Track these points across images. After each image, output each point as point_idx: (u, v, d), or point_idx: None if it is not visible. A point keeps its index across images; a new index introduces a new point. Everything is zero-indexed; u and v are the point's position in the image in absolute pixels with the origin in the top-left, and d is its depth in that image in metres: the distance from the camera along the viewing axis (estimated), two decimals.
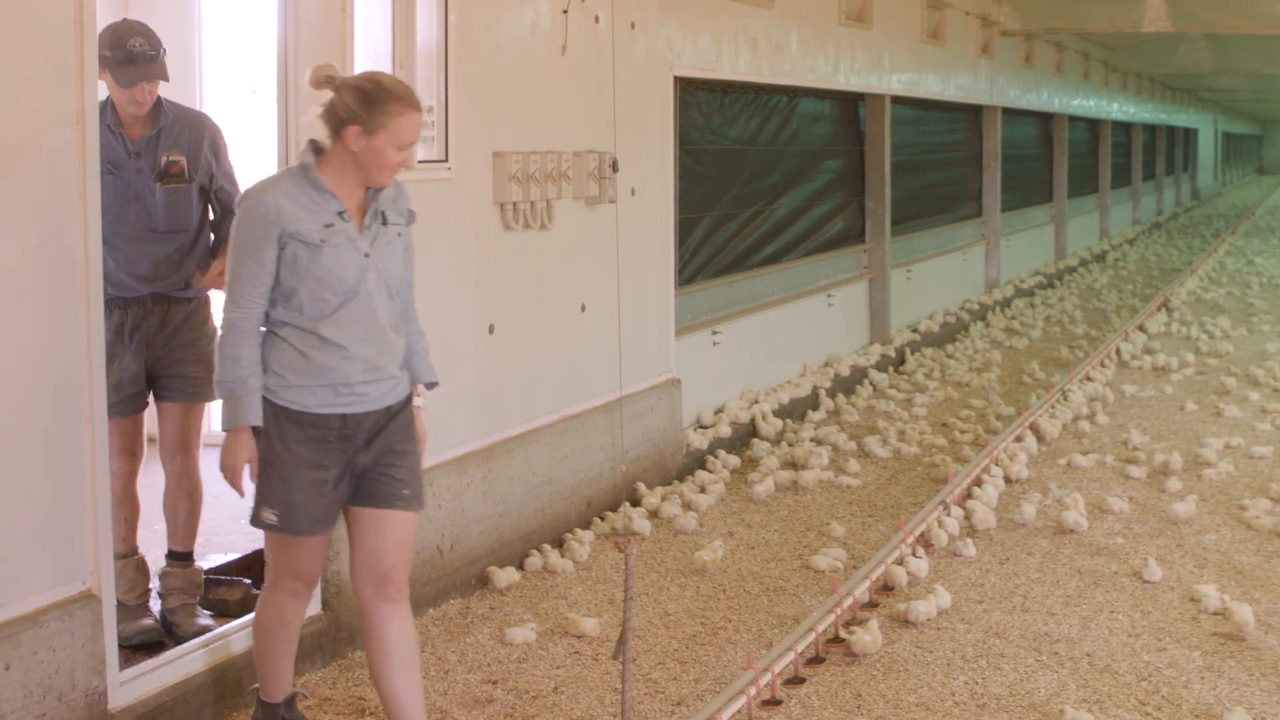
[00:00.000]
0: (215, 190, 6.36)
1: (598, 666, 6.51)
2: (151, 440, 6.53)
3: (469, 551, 7.49)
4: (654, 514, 8.91)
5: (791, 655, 6.32)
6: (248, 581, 6.73)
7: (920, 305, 16.65)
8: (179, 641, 6.05)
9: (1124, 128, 31.78)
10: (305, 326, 4.93)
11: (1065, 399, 12.36)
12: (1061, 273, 23.34)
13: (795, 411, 11.90)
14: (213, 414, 7.58)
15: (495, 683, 6.32)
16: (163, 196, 6.19)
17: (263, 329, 4.98)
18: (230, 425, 4.96)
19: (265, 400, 4.95)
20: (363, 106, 4.86)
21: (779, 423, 11.22)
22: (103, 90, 5.66)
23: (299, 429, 4.95)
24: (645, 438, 9.40)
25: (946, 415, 12.25)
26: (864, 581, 7.33)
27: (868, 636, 6.58)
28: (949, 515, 8.60)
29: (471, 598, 7.39)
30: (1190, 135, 45.70)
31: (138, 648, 6.02)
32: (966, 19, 17.99)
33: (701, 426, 10.59)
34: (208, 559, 7.14)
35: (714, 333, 11.24)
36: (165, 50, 6.20)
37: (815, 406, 12.24)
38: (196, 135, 6.31)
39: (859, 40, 13.99)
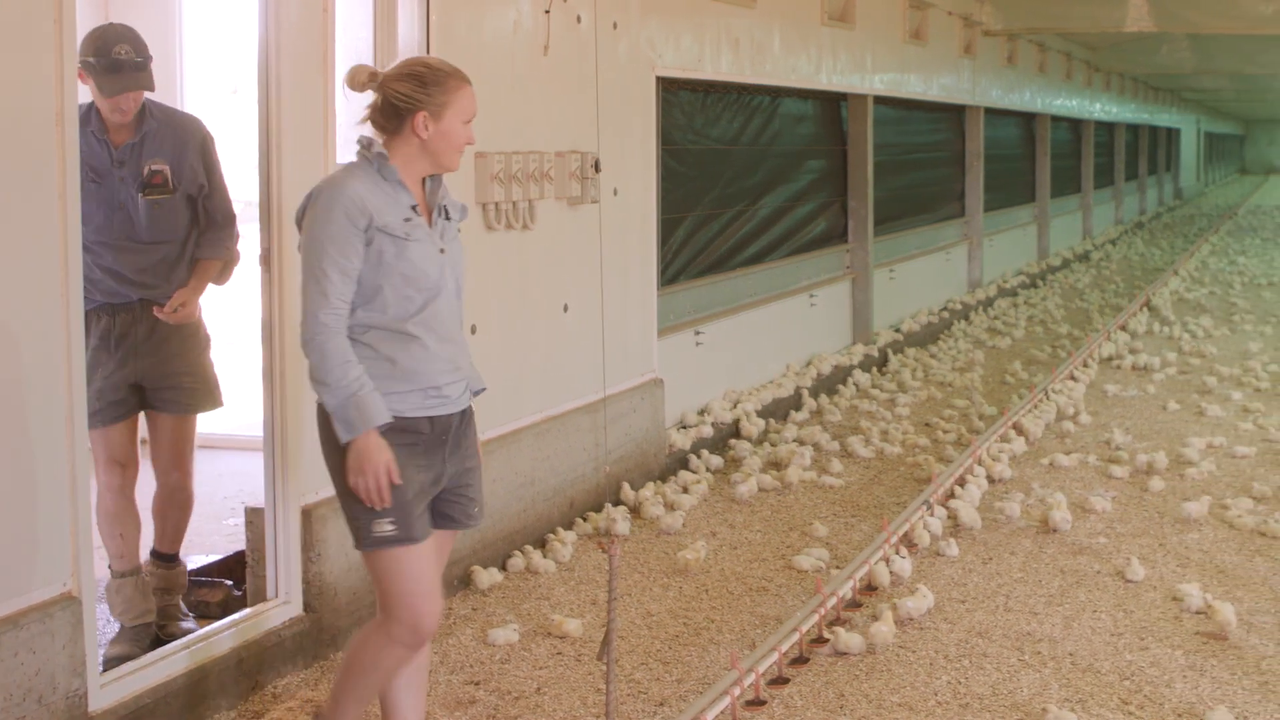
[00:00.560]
0: (203, 200, 6.21)
1: (580, 667, 6.50)
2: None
3: (452, 552, 7.43)
4: (637, 514, 8.90)
5: (775, 655, 6.32)
6: (229, 583, 6.72)
7: (903, 305, 16.66)
8: (163, 643, 6.02)
9: (1107, 128, 31.84)
10: (391, 327, 4.71)
11: (1048, 398, 12.38)
12: (1044, 272, 23.38)
13: (778, 411, 11.90)
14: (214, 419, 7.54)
15: (478, 684, 6.30)
16: (146, 207, 6.06)
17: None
18: (358, 431, 4.61)
19: None
20: (423, 91, 4.71)
21: (762, 423, 11.21)
22: (86, 94, 5.61)
23: (392, 434, 4.68)
24: (628, 438, 9.40)
25: (929, 415, 12.26)
26: (848, 581, 7.33)
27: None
28: (932, 515, 8.61)
29: (454, 598, 7.38)
30: (1173, 135, 45.82)
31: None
32: (949, 19, 18.01)
33: (684, 426, 10.58)
34: (189, 560, 7.11)
35: (697, 333, 11.23)
36: (152, 57, 6.12)
37: (798, 406, 12.24)
38: (183, 141, 6.17)
39: (841, 40, 14.00)
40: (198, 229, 6.23)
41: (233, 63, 9.17)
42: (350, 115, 6.59)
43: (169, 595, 6.41)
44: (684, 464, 10.13)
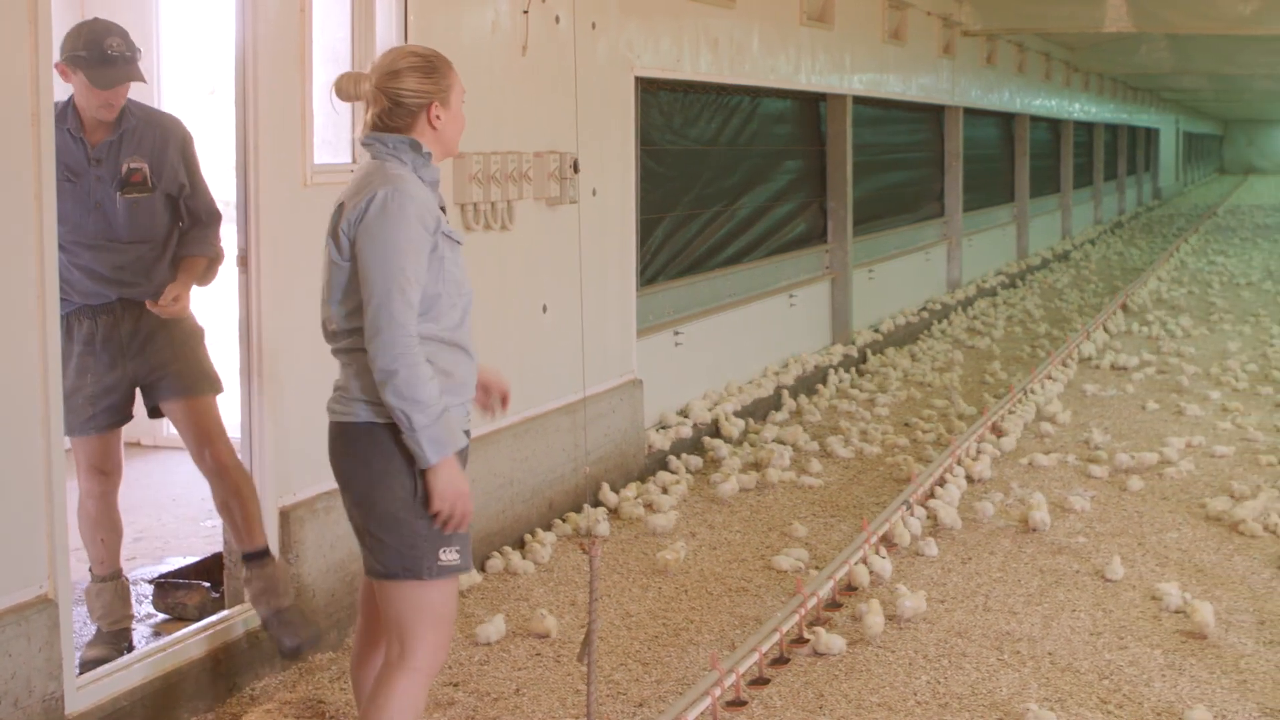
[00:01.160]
0: (185, 199, 6.11)
1: (559, 668, 6.49)
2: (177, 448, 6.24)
3: None
4: (616, 514, 8.89)
5: (756, 656, 6.32)
6: (206, 585, 6.68)
7: (882, 305, 16.68)
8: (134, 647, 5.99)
9: (1086, 128, 31.94)
10: (445, 338, 4.46)
11: (1026, 397, 12.40)
12: (1023, 272, 23.43)
13: (757, 412, 11.90)
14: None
15: (456, 685, 6.29)
16: (124, 206, 5.95)
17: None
18: (448, 451, 4.36)
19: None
20: (430, 80, 4.54)
21: (741, 423, 11.22)
22: (61, 91, 5.55)
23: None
24: (607, 439, 9.39)
25: (909, 415, 12.26)
26: (828, 581, 7.33)
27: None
28: (912, 515, 8.61)
29: None
30: (1152, 135, 45.96)
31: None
32: (928, 19, 18.04)
33: (664, 427, 10.57)
34: (165, 562, 7.09)
35: (676, 333, 11.23)
36: (140, 52, 6.07)
37: (778, 407, 12.24)
38: (162, 140, 6.06)
39: (820, 40, 14.00)
40: (179, 228, 6.16)
41: (210, 63, 9.14)
42: (328, 116, 6.59)
43: (274, 597, 6.02)
44: (663, 464, 10.12)
